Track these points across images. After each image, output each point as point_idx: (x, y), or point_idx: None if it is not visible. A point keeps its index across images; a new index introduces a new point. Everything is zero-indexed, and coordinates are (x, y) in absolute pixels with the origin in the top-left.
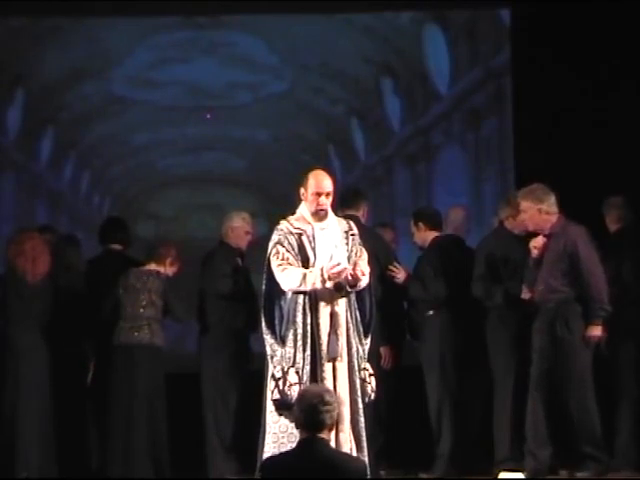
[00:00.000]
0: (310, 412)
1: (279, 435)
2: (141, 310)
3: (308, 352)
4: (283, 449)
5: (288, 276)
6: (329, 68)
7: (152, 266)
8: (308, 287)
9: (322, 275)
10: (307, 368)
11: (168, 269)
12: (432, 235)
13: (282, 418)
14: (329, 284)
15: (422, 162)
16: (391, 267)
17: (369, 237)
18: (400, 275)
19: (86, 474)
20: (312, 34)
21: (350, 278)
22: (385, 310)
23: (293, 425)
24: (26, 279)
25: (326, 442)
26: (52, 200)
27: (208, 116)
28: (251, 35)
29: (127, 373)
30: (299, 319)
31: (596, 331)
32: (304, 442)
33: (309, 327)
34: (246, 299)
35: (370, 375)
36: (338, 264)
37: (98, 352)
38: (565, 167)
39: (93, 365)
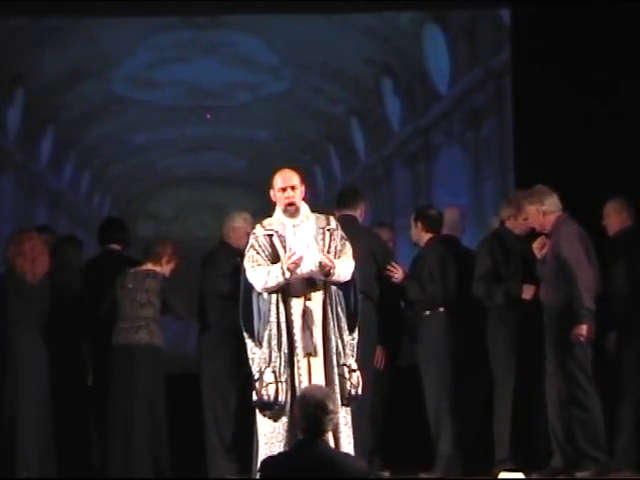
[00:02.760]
0: (313, 420)
1: (269, 436)
2: (139, 310)
3: (285, 350)
4: (274, 450)
5: (256, 276)
6: (329, 68)
7: (149, 266)
8: (273, 282)
9: (282, 267)
10: (284, 366)
11: (165, 267)
12: (428, 236)
13: (268, 419)
14: (288, 275)
15: (422, 162)
16: (389, 267)
17: (366, 237)
18: (398, 275)
19: (86, 474)
20: (312, 34)
21: (319, 266)
22: (382, 310)
23: (280, 425)
24: (25, 279)
25: (325, 442)
26: (52, 200)
27: (208, 116)
28: (251, 35)
29: (126, 373)
30: (272, 318)
31: (581, 330)
32: (303, 442)
33: (283, 325)
34: None
35: (351, 371)
36: (293, 253)
37: (97, 352)
38: (565, 167)
39: (93, 366)
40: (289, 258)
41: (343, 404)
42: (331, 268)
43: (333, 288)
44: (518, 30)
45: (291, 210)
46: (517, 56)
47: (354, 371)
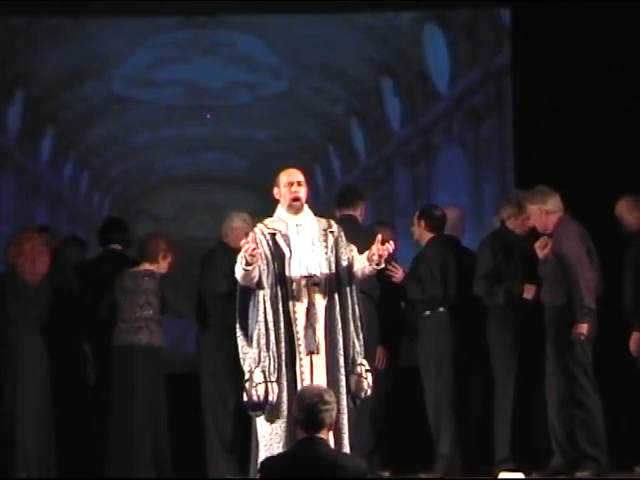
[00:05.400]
0: (310, 411)
1: (267, 438)
2: (138, 311)
3: (274, 349)
4: (273, 451)
5: (235, 269)
6: (329, 68)
7: (146, 266)
8: (239, 274)
9: (241, 257)
10: (277, 366)
11: (162, 264)
12: (430, 236)
13: (266, 420)
14: (244, 264)
15: (422, 162)
16: (389, 267)
17: (366, 236)
18: (398, 275)
19: (87, 474)
20: (312, 34)
21: (376, 257)
22: (382, 310)
23: (277, 426)
24: (25, 279)
25: (325, 442)
26: (52, 200)
27: (208, 116)
28: (251, 35)
29: (127, 374)
30: (260, 317)
31: (581, 329)
32: (303, 442)
33: (271, 324)
34: None
35: (367, 371)
36: (247, 243)
37: (98, 352)
38: (565, 167)
39: (94, 366)
40: (243, 246)
41: (354, 403)
42: (383, 257)
43: (350, 287)
44: (518, 30)
45: (297, 205)
46: (517, 56)
47: (369, 371)
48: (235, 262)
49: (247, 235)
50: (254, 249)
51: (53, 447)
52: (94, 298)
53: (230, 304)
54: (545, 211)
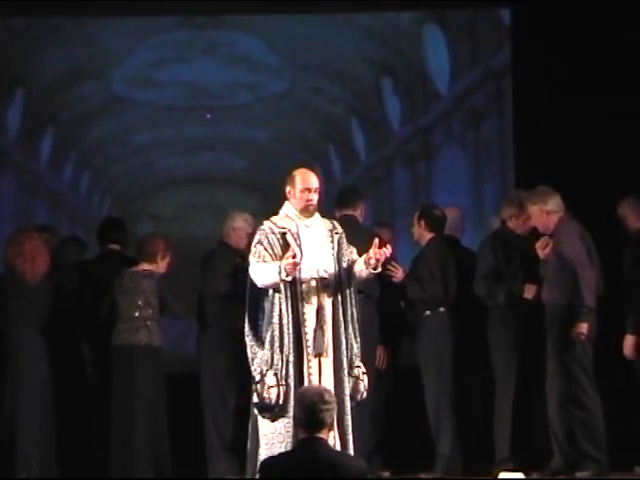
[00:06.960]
0: (310, 411)
1: (269, 437)
2: (137, 311)
3: (287, 352)
4: (275, 450)
5: (257, 271)
6: (329, 68)
7: (144, 266)
8: (270, 280)
9: (279, 266)
10: (288, 368)
11: (161, 264)
12: (430, 236)
13: (268, 419)
14: (284, 275)
15: (422, 162)
16: (389, 267)
17: (366, 236)
18: (398, 275)
19: (87, 474)
20: (312, 34)
21: (373, 261)
22: (382, 310)
23: (282, 425)
24: (26, 279)
25: (325, 442)
26: (52, 200)
27: (208, 116)
28: (251, 35)
29: (126, 374)
30: (275, 320)
31: (581, 329)
32: (304, 442)
33: (285, 327)
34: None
35: (363, 373)
36: (294, 255)
37: (97, 353)
38: (565, 167)
39: (94, 366)
40: (287, 258)
41: (352, 406)
42: (380, 260)
43: (350, 289)
44: (518, 30)
45: (310, 209)
46: (517, 56)
47: (365, 373)
48: (235, 263)
49: (249, 236)
50: (297, 264)
51: (53, 447)
52: (93, 298)
53: (230, 305)
54: (546, 211)
